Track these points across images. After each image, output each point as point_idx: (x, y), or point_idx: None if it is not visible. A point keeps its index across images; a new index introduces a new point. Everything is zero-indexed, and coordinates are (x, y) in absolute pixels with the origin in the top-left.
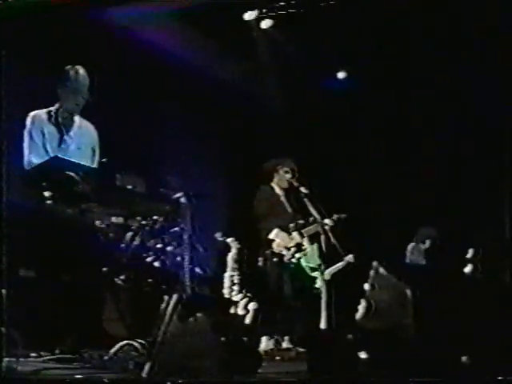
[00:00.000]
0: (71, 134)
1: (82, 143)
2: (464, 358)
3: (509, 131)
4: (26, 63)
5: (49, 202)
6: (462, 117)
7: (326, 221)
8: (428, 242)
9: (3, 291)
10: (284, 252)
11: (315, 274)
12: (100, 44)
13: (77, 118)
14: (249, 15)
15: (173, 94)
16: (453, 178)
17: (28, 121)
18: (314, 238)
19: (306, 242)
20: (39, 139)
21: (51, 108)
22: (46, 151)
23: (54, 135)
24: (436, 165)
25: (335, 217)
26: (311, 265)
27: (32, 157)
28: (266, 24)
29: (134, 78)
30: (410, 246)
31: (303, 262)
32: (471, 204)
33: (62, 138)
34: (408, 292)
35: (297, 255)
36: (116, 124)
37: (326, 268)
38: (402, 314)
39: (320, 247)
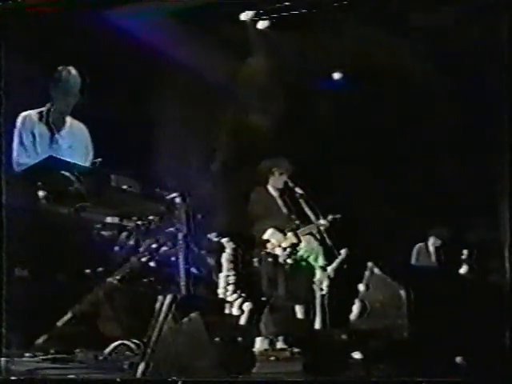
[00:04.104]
0: (62, 133)
1: (74, 142)
2: (458, 359)
3: (507, 131)
4: (19, 64)
5: (43, 201)
6: (461, 116)
7: (321, 221)
8: (433, 241)
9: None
10: (279, 252)
11: (323, 273)
12: (94, 44)
13: (68, 118)
14: (245, 15)
15: (168, 94)
16: (450, 179)
17: (19, 121)
18: (317, 239)
19: (311, 243)
20: (29, 140)
21: (42, 108)
22: (37, 152)
23: (45, 135)
24: (434, 165)
25: (330, 217)
26: (320, 264)
27: (22, 157)
28: (262, 24)
29: (128, 77)
30: (417, 247)
31: (313, 262)
32: (468, 204)
33: (53, 138)
34: (402, 292)
35: (305, 255)
36: (111, 124)
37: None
38: (397, 315)
39: (325, 247)
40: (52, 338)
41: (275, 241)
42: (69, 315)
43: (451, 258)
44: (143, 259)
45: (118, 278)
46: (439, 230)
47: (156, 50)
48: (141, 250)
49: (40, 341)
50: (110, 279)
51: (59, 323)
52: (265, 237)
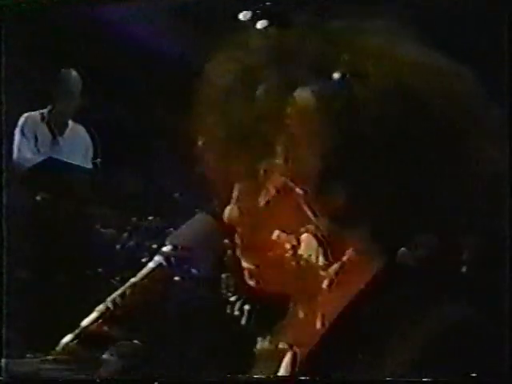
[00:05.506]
0: (64, 136)
1: (75, 145)
2: (460, 356)
3: (507, 131)
4: (21, 64)
5: (44, 202)
6: (461, 116)
7: (317, 220)
8: (420, 250)
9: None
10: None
11: (323, 273)
12: (95, 45)
13: (70, 121)
14: (244, 15)
15: (168, 94)
16: (450, 179)
17: (21, 120)
18: (317, 238)
19: (311, 242)
20: (32, 140)
21: (44, 110)
22: (39, 152)
23: (46, 136)
24: (433, 166)
25: (322, 217)
26: (320, 263)
27: (24, 158)
28: (261, 24)
29: (128, 78)
30: (400, 251)
31: (313, 261)
32: (468, 204)
33: (54, 140)
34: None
35: (305, 255)
36: (111, 125)
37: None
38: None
39: (324, 247)
40: (77, 338)
41: (281, 241)
42: (94, 314)
43: (443, 257)
44: (144, 259)
45: (118, 278)
46: (423, 236)
47: (159, 51)
48: (142, 250)
49: (64, 341)
50: (133, 279)
51: (84, 323)
52: (273, 237)
